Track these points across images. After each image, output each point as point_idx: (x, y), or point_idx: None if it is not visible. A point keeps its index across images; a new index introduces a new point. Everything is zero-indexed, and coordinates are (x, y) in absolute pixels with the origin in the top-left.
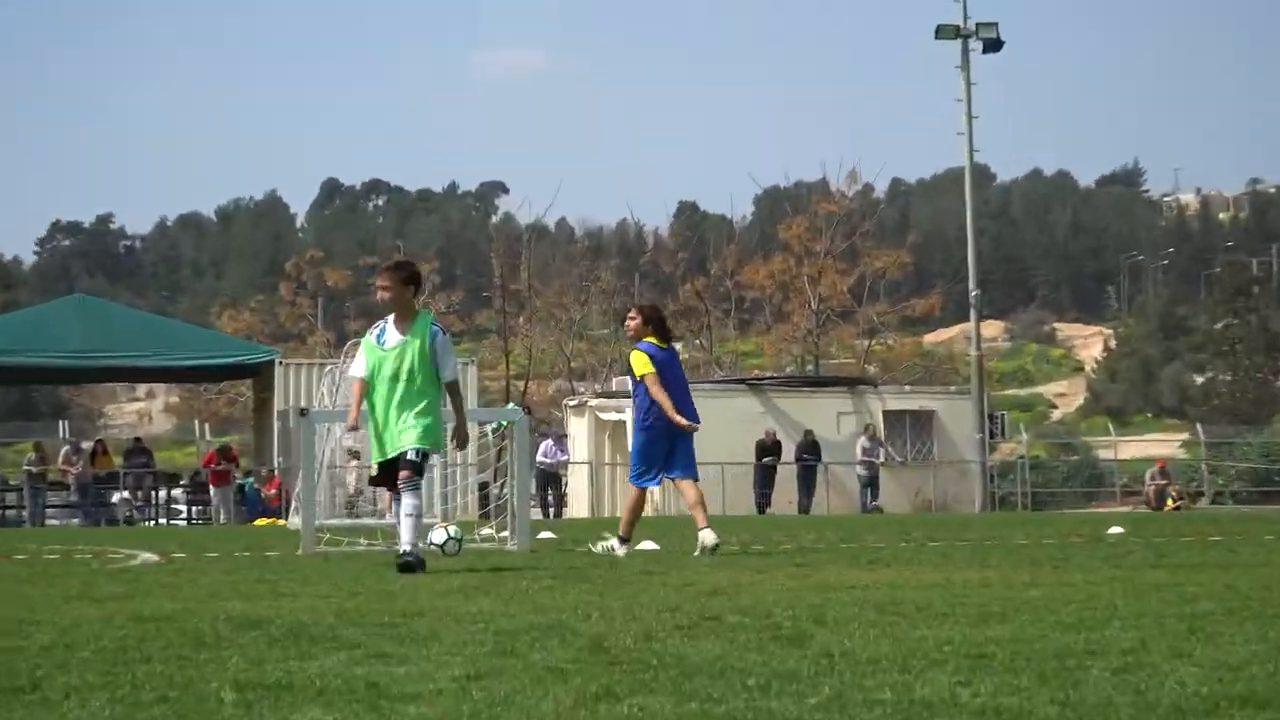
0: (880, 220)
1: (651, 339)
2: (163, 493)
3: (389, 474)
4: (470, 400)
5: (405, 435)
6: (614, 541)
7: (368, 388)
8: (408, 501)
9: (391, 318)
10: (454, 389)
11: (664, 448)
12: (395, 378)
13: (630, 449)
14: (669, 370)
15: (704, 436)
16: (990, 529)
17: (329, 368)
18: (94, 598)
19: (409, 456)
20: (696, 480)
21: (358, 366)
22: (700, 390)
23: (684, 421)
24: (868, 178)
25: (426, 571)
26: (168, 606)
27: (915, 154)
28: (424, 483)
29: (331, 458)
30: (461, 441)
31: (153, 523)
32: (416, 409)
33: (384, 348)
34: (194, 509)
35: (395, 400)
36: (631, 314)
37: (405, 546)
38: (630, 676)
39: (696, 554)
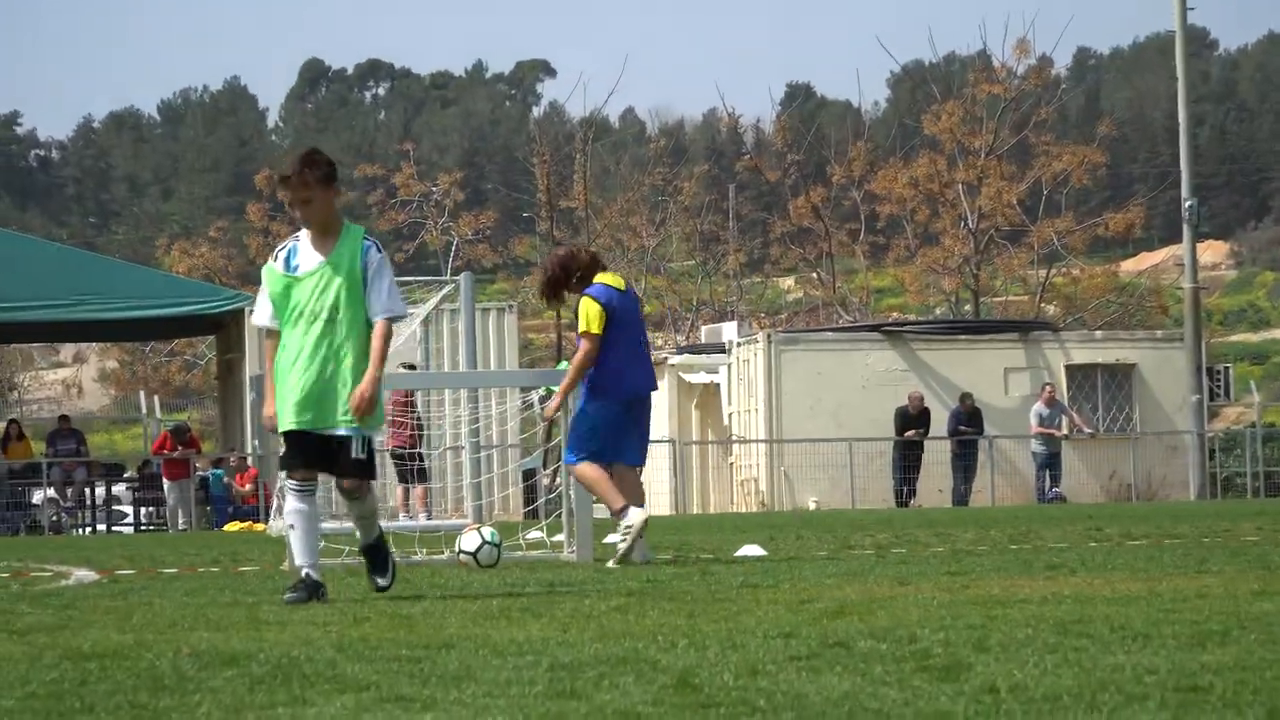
0: (1061, 106)
1: (605, 278)
2: (100, 489)
3: (305, 449)
4: (508, 360)
5: (333, 407)
6: (621, 524)
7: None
8: (357, 512)
9: (305, 234)
10: (380, 332)
11: (621, 422)
12: (314, 317)
13: (573, 418)
14: (630, 326)
15: (825, 404)
16: (1209, 521)
17: None
18: (16, 630)
19: (352, 454)
20: (640, 468)
21: (264, 311)
22: (819, 341)
23: (553, 409)
24: (1043, 48)
25: (390, 589)
26: (114, 639)
27: (1107, 14)
28: (438, 472)
29: None
30: (356, 406)
31: (89, 529)
32: (345, 365)
33: (295, 274)
34: (143, 510)
35: (313, 348)
36: (554, 252)
37: (365, 544)
38: None
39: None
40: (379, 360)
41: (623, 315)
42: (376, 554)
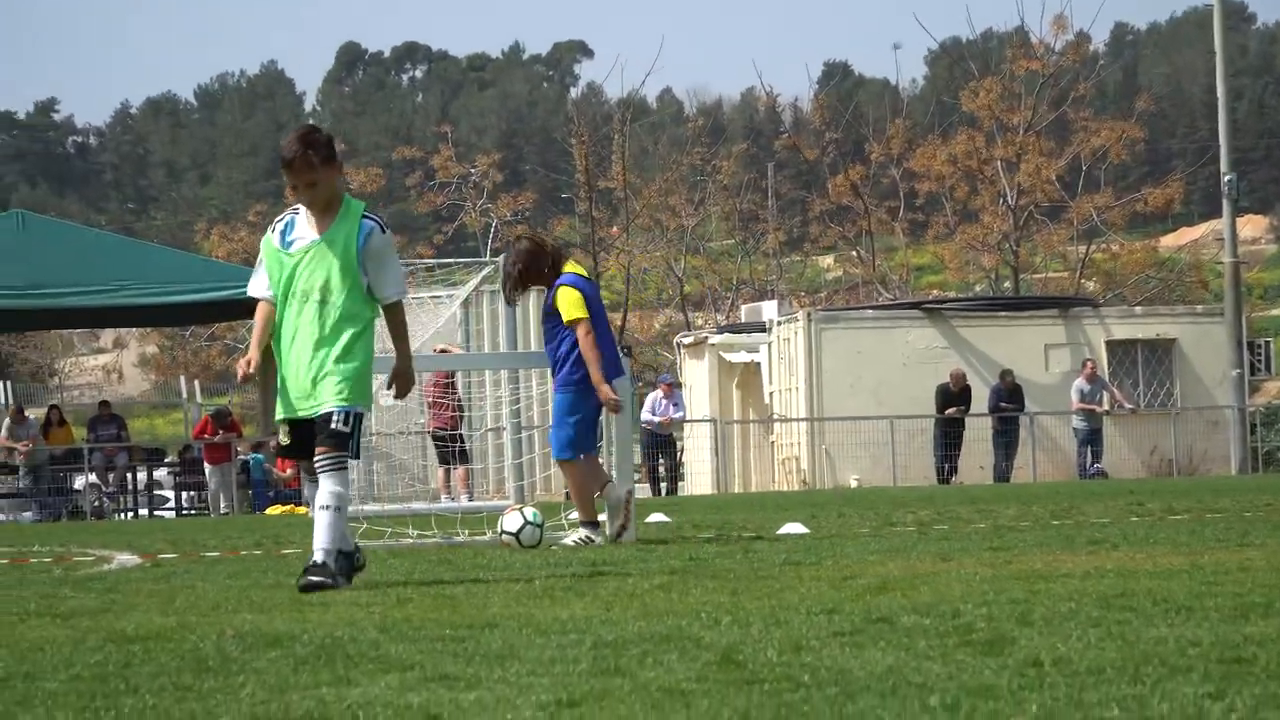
0: (1099, 82)
1: (574, 268)
2: (142, 474)
3: (303, 442)
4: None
5: (323, 387)
6: (584, 531)
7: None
8: (327, 489)
9: (303, 210)
10: (396, 313)
11: (597, 413)
12: (306, 296)
13: (553, 411)
14: (601, 316)
15: (866, 382)
16: (1251, 495)
17: None
18: (59, 613)
19: (332, 424)
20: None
21: (259, 282)
22: (860, 319)
23: (612, 395)
24: (1081, 24)
25: (355, 583)
26: (157, 622)
27: None
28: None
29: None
30: (401, 388)
31: (130, 514)
32: (337, 346)
33: (289, 250)
34: (184, 495)
35: (305, 330)
36: (519, 244)
37: (317, 555)
38: (774, 699)
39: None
40: (406, 340)
41: (593, 305)
42: (324, 585)
